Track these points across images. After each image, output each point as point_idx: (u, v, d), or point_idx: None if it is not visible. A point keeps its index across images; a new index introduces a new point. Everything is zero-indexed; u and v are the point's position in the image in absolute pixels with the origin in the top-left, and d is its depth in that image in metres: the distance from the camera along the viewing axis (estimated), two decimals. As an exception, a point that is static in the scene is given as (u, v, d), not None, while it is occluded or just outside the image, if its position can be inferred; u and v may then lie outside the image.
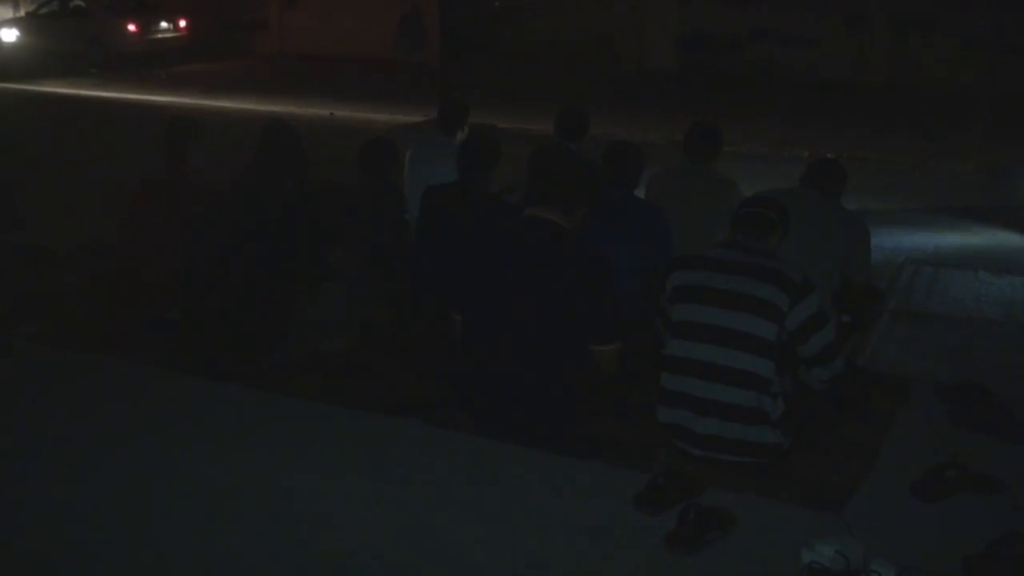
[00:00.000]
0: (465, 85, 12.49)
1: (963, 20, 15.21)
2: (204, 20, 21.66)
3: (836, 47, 17.49)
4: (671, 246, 4.77)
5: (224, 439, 4.12)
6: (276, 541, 3.40)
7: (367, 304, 5.14)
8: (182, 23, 21.19)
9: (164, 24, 20.88)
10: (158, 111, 13.33)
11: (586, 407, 4.06)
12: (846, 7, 17.81)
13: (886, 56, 17.31)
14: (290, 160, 4.85)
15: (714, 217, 5.11)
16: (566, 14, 19.66)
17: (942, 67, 16.12)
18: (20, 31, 20.84)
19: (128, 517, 3.54)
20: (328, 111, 13.81)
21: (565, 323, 3.91)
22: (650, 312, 4.19)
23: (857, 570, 3.06)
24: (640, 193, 5.24)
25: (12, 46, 20.30)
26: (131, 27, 20.08)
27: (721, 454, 3.78)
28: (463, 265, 4.18)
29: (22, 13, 22.50)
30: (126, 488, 3.74)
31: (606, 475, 3.80)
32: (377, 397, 4.45)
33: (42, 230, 6.91)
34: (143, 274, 5.20)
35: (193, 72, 18.88)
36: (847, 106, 14.54)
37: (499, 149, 5.19)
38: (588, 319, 3.92)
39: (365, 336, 5.05)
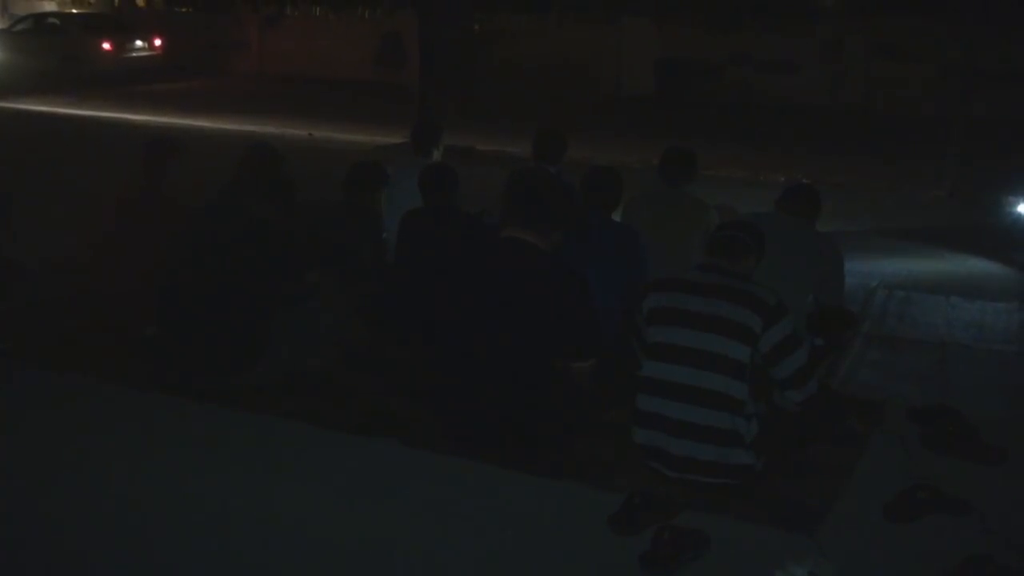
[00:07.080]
0: (444, 107, 12.53)
1: (937, 47, 15.42)
2: (183, 40, 21.65)
3: (812, 73, 17.68)
4: (648, 269, 4.80)
5: (200, 457, 4.10)
6: (250, 561, 3.39)
7: (345, 324, 5.14)
8: (157, 42, 21.17)
9: (139, 43, 20.85)
10: (136, 129, 13.30)
11: (562, 426, 4.07)
12: (822, 33, 18.03)
13: (861, 82, 17.51)
14: (269, 181, 4.86)
15: (690, 240, 5.16)
16: (546, 38, 19.80)
17: (916, 93, 16.31)
18: (-4, 48, 20.79)
19: (99, 535, 3.51)
20: (307, 132, 13.82)
21: (542, 342, 3.93)
22: (627, 334, 4.21)
23: (829, 591, 3.09)
24: (617, 216, 5.27)
25: (-11, 63, 20.25)
26: (105, 45, 20.06)
27: (695, 475, 3.80)
28: (440, 285, 4.20)
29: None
30: (98, 506, 3.71)
31: (581, 495, 3.80)
32: (354, 417, 4.44)
33: (16, 245, 6.85)
34: (119, 291, 5.19)
35: (171, 91, 18.84)
36: (823, 131, 14.67)
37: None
38: (564, 335, 3.94)
39: (343, 356, 5.05)
